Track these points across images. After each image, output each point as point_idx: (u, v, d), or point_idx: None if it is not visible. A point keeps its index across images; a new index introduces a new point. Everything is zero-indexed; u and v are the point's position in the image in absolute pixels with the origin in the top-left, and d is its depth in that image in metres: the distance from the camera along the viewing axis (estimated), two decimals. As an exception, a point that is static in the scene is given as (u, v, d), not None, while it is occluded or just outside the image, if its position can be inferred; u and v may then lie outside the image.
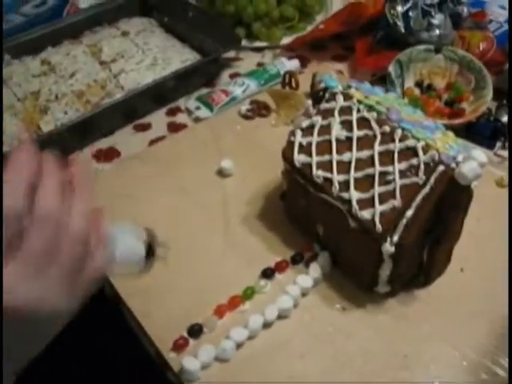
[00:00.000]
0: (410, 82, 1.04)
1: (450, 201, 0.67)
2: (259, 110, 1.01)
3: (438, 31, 1.07)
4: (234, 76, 1.12)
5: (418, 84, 1.04)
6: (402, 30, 1.08)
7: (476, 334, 0.71)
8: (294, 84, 1.03)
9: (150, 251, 0.56)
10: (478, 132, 0.97)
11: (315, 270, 0.75)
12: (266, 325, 0.71)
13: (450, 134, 0.70)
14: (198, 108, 1.04)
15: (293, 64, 1.10)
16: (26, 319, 0.41)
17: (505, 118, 0.98)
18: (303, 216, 0.79)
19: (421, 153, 0.66)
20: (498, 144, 0.96)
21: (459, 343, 0.70)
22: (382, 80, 1.04)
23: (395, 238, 0.66)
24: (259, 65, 1.14)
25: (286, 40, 1.20)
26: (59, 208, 0.43)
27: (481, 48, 1.07)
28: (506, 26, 1.16)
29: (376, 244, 0.67)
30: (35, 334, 0.45)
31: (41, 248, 0.41)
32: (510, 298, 0.71)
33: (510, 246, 0.78)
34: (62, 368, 0.86)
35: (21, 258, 0.40)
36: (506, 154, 0.95)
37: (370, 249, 0.68)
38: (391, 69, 1.02)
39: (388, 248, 0.66)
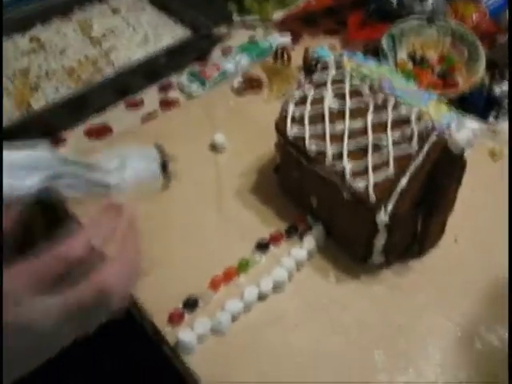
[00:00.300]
0: (402, 55, 1.04)
1: (443, 170, 0.67)
2: (251, 84, 1.00)
3: (430, 3, 1.06)
4: (225, 51, 1.11)
5: (411, 56, 1.04)
6: (394, 3, 1.07)
7: (470, 304, 0.72)
8: (286, 58, 1.02)
9: (164, 168, 0.55)
10: (472, 103, 0.96)
11: (309, 242, 0.75)
12: (261, 297, 0.71)
13: (444, 102, 0.70)
14: (190, 83, 1.03)
15: (284, 38, 1.09)
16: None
17: (498, 89, 0.98)
18: (297, 188, 0.78)
19: (414, 122, 0.66)
20: (491, 115, 0.96)
21: (453, 313, 0.71)
22: (374, 53, 1.03)
23: (389, 208, 0.66)
24: (251, 39, 1.13)
25: (278, 15, 1.18)
26: None
27: (474, 20, 1.07)
28: (499, -2, 1.15)
29: (370, 214, 0.67)
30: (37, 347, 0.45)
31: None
32: (510, 297, 0.71)
33: (510, 229, 0.78)
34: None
35: None
36: (498, 125, 0.94)
37: (364, 219, 0.68)
38: (383, 42, 1.02)
39: (382, 217, 0.66)
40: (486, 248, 0.78)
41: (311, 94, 0.73)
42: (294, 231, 0.78)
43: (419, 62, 1.03)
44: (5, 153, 0.43)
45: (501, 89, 0.98)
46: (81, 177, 0.47)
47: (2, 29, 1.04)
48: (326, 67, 0.74)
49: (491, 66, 1.01)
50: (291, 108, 0.73)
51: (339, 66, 0.74)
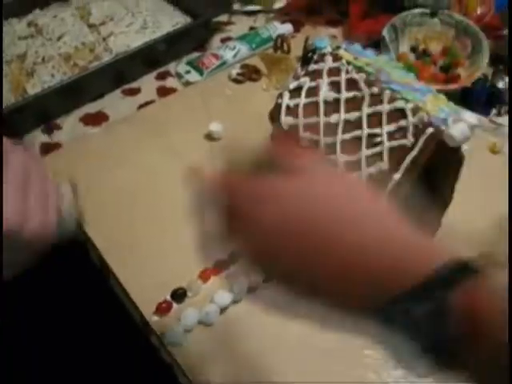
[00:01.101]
0: (404, 47, 1.02)
1: (439, 164, 0.65)
2: (250, 74, 0.99)
3: (434, -5, 1.04)
4: (225, 40, 1.10)
5: (413, 49, 1.02)
6: (398, -6, 1.05)
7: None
8: (285, 48, 1.01)
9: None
10: (473, 98, 0.95)
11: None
12: (251, 289, 0.70)
13: (442, 96, 0.68)
14: (187, 72, 1.02)
15: (285, 28, 1.08)
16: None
17: (501, 84, 0.96)
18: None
19: (410, 114, 0.65)
20: (493, 110, 0.94)
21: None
22: (376, 45, 1.02)
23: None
24: (251, 29, 1.12)
25: (280, 4, 1.17)
26: None
27: (478, 12, 1.05)
28: (505, -9, 1.13)
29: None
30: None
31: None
32: (510, 294, 0.69)
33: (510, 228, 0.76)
34: (47, 336, 0.86)
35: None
36: (500, 120, 0.93)
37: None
38: (385, 33, 1.00)
39: (375, 212, 0.64)
40: (483, 245, 0.76)
41: (307, 84, 0.72)
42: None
43: (421, 55, 1.01)
44: None
45: (504, 83, 0.97)
46: None
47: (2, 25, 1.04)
48: (322, 58, 0.73)
49: (495, 60, 0.99)
50: (286, 98, 0.72)
51: (336, 57, 0.72)
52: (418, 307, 0.36)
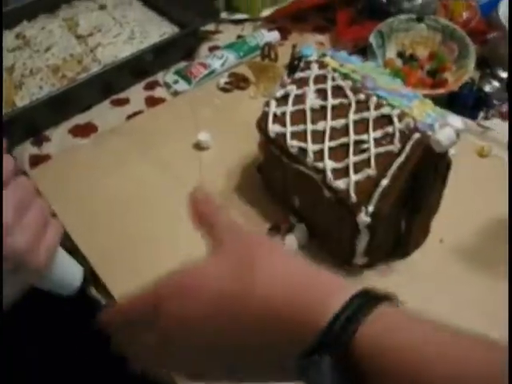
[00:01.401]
0: (391, 53, 1.03)
1: (426, 169, 0.65)
2: (238, 82, 0.99)
3: (419, 0, 1.05)
4: (213, 49, 1.10)
5: (400, 54, 1.03)
6: (384, 0, 1.06)
7: (455, 306, 0.70)
8: (273, 56, 1.01)
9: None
10: (461, 102, 0.95)
11: (291, 241, 0.74)
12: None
13: (428, 102, 0.69)
14: (176, 82, 1.02)
15: (272, 36, 1.08)
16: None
17: (488, 88, 0.96)
18: (280, 188, 0.77)
19: (396, 120, 0.65)
20: (481, 114, 0.95)
21: (438, 315, 0.69)
22: (363, 51, 1.02)
23: (370, 208, 0.64)
24: (239, 37, 1.12)
25: (267, 12, 1.17)
26: None
27: (464, 17, 1.06)
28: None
29: (351, 214, 0.65)
30: None
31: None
32: (510, 295, 0.70)
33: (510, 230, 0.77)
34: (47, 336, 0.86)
35: None
36: (488, 123, 0.93)
37: (346, 220, 0.67)
38: (372, 39, 1.00)
39: (363, 218, 0.65)
40: (472, 249, 0.76)
41: (293, 92, 0.72)
42: (276, 230, 0.76)
43: (408, 59, 1.02)
44: None
45: (491, 87, 0.97)
46: None
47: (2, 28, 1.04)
48: (308, 65, 0.73)
49: (481, 64, 1.00)
50: (273, 106, 0.72)
51: (322, 64, 0.72)
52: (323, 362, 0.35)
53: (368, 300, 0.37)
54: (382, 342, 0.34)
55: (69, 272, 0.59)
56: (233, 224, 0.46)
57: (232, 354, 0.40)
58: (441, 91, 0.94)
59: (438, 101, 0.72)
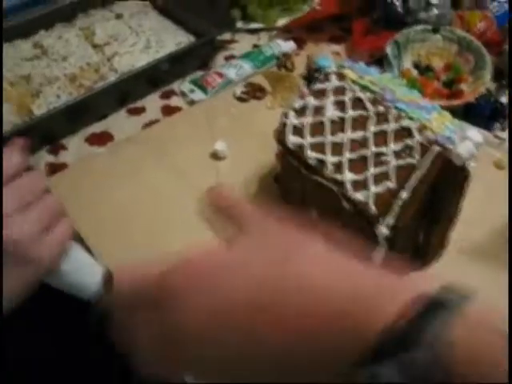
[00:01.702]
0: (407, 63, 1.03)
1: (445, 182, 0.65)
2: (254, 92, 0.99)
3: (436, 11, 1.05)
4: (229, 58, 1.10)
5: (416, 65, 1.03)
6: (400, 10, 1.06)
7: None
8: (289, 66, 1.02)
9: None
10: (477, 113, 0.95)
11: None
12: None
13: (447, 114, 0.69)
14: (192, 91, 1.02)
15: (288, 46, 1.08)
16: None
17: (504, 99, 0.96)
18: (297, 198, 0.77)
19: (416, 133, 0.65)
20: (497, 125, 0.95)
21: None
22: (379, 61, 1.02)
23: (390, 221, 0.64)
24: (255, 47, 1.13)
25: (282, 21, 1.17)
26: None
27: (479, 28, 1.05)
28: (506, 6, 1.13)
29: (370, 226, 0.65)
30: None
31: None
32: (510, 294, 0.69)
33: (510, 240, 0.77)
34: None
35: None
36: (504, 135, 0.93)
37: (365, 232, 0.67)
38: (388, 50, 1.01)
39: (382, 230, 0.65)
40: (490, 260, 0.76)
41: (312, 103, 0.72)
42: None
43: (424, 70, 1.01)
44: None
45: (507, 98, 0.97)
46: None
47: (2, 34, 1.04)
48: (327, 77, 0.73)
49: (497, 75, 0.99)
50: (291, 117, 0.72)
51: (340, 76, 0.72)
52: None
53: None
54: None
55: (86, 272, 0.57)
56: (263, 214, 0.44)
57: (279, 353, 0.35)
58: (457, 102, 0.94)
59: (454, 112, 0.72)
